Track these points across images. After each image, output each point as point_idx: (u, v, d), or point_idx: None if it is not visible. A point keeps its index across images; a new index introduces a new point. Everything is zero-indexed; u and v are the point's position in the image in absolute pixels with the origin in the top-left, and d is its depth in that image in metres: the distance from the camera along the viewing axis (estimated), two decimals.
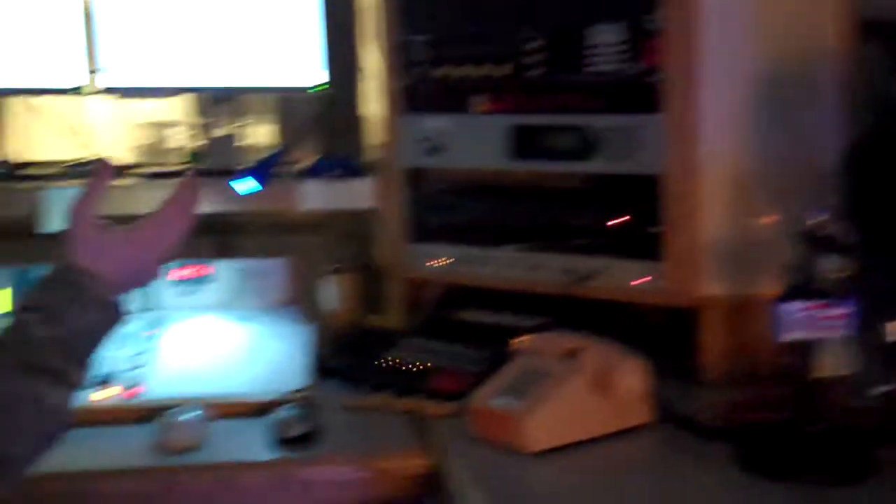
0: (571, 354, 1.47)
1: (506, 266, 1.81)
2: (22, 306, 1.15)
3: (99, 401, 1.58)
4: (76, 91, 2.05)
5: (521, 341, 1.58)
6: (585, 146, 1.72)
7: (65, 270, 1.18)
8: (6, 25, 1.97)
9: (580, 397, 1.42)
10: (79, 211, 1.22)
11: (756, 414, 1.44)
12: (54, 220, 1.88)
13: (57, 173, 2.05)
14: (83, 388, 1.17)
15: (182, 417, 1.51)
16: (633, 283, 1.67)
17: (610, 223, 1.72)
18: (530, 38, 1.75)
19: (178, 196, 1.29)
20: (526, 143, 1.78)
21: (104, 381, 1.62)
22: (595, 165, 1.72)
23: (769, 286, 1.39)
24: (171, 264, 1.26)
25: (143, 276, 1.25)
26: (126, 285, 1.21)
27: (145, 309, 1.90)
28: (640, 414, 1.46)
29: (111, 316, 1.19)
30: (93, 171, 1.24)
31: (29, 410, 1.08)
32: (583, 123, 1.71)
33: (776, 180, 1.65)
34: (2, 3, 1.96)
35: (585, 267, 1.72)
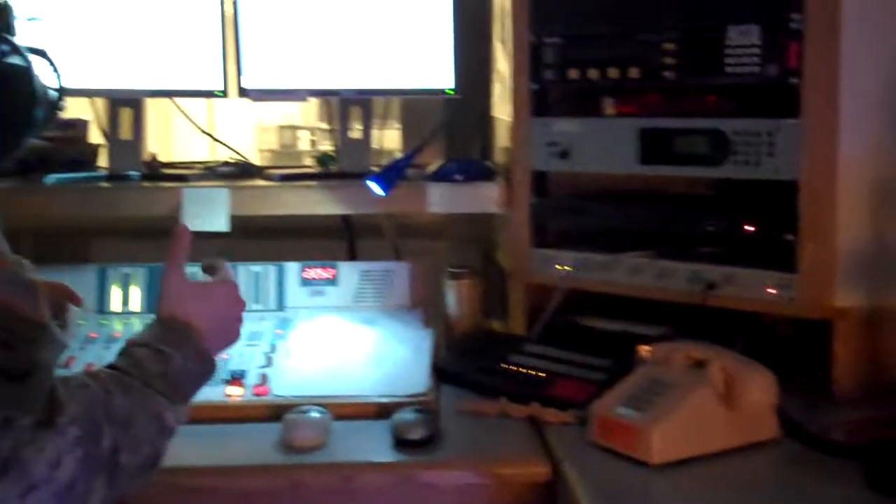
0: (698, 365, 1.44)
1: (631, 273, 1.78)
2: (133, 343, 1.24)
3: (228, 397, 1.63)
4: (214, 94, 2.11)
5: (646, 350, 1.55)
6: (718, 150, 1.67)
7: (170, 319, 1.27)
8: (149, 29, 2.04)
9: (706, 410, 1.39)
10: (170, 269, 1.32)
11: (889, 431, 1.38)
12: (193, 219, 1.94)
13: (196, 174, 2.12)
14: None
15: (306, 416, 1.54)
16: (767, 290, 1.62)
17: (741, 230, 1.67)
18: (663, 40, 1.71)
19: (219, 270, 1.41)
20: (656, 146, 1.74)
21: (234, 379, 1.67)
22: (727, 170, 1.67)
23: None
24: None
25: (229, 333, 1.37)
26: (217, 340, 1.32)
27: (275, 308, 1.96)
28: (766, 428, 1.42)
29: (207, 368, 1.28)
30: (173, 235, 1.35)
31: (148, 425, 1.15)
32: (716, 127, 1.67)
33: None
34: (145, 7, 2.03)
35: (713, 275, 1.68)
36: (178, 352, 1.23)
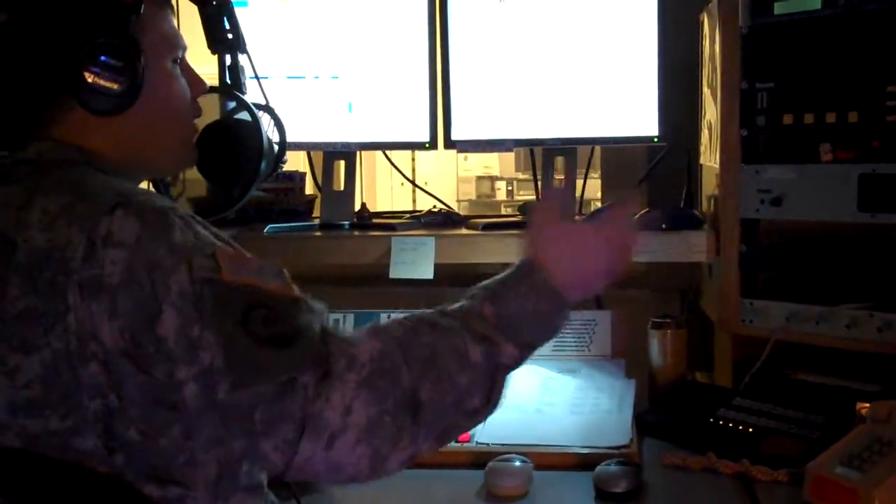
0: None
1: (847, 325, 1.69)
2: (478, 287, 1.23)
3: None
4: (423, 146, 2.16)
5: (866, 407, 1.47)
6: None
7: (522, 262, 1.25)
8: (363, 85, 2.13)
9: None
10: (541, 208, 1.33)
11: None
12: (400, 267, 1.99)
13: (403, 223, 2.18)
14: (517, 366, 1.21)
15: (509, 465, 1.54)
16: None
17: None
18: (884, 83, 1.63)
19: (616, 213, 1.33)
20: (877, 193, 1.66)
21: None
22: None
23: None
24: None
25: (590, 280, 1.28)
26: (575, 284, 1.25)
27: None
28: None
29: (555, 306, 1.22)
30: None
31: (449, 361, 1.15)
32: None
33: None
34: (361, 63, 2.13)
35: None
36: (514, 290, 1.21)
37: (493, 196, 6.74)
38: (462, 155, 4.61)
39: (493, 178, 6.79)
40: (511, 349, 1.19)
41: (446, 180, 6.23)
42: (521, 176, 6.57)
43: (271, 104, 1.55)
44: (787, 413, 1.65)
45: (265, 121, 1.47)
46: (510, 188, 6.70)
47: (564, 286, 1.22)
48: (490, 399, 1.18)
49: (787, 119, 1.75)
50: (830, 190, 1.71)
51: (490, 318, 1.18)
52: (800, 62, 1.75)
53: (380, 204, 4.45)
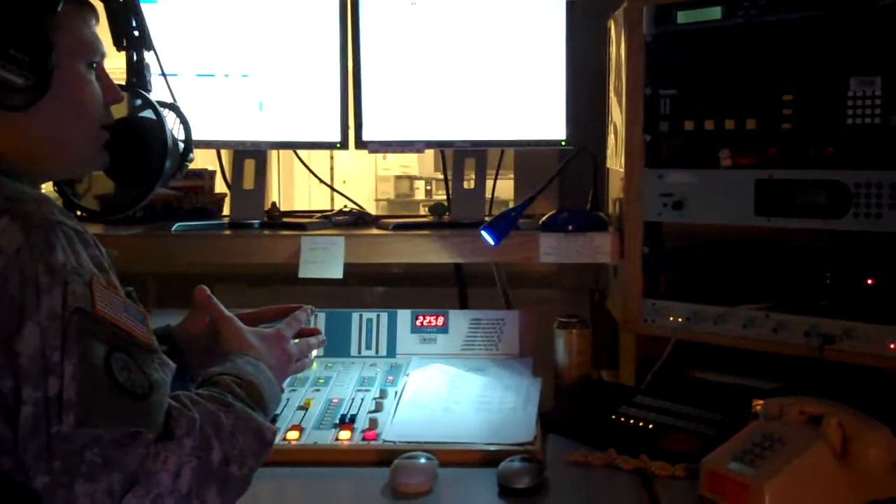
0: (813, 421, 1.41)
1: (745, 325, 1.75)
2: (217, 373, 1.29)
3: (338, 441, 1.66)
4: (335, 145, 2.16)
5: (760, 404, 1.52)
6: (838, 202, 1.64)
7: (243, 353, 1.37)
8: (273, 83, 2.12)
9: (822, 467, 1.36)
10: (226, 318, 1.47)
11: None
12: (309, 266, 1.99)
13: (313, 222, 2.17)
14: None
15: (414, 462, 1.55)
16: (890, 346, 1.57)
17: (861, 284, 1.63)
18: (782, 92, 1.69)
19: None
20: (773, 198, 1.72)
21: (344, 423, 1.70)
22: (848, 223, 1.63)
23: None
24: None
25: (284, 373, 1.47)
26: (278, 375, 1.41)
27: (386, 355, 1.99)
28: (886, 487, 1.36)
29: (278, 394, 1.38)
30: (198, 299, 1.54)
31: (251, 440, 1.19)
32: (836, 179, 1.64)
33: None
34: (269, 62, 2.12)
35: (832, 329, 1.64)
36: (254, 374, 1.31)
37: (412, 196, 6.76)
38: (381, 154, 4.60)
39: (411, 178, 6.82)
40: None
41: (365, 179, 6.22)
42: (439, 176, 6.55)
43: (180, 102, 1.54)
44: (686, 410, 1.69)
45: (170, 119, 1.46)
46: (429, 188, 6.73)
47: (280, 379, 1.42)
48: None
49: (689, 125, 1.81)
50: (729, 194, 1.77)
51: (259, 401, 1.28)
52: (701, 70, 1.80)
53: (297, 203, 4.43)
